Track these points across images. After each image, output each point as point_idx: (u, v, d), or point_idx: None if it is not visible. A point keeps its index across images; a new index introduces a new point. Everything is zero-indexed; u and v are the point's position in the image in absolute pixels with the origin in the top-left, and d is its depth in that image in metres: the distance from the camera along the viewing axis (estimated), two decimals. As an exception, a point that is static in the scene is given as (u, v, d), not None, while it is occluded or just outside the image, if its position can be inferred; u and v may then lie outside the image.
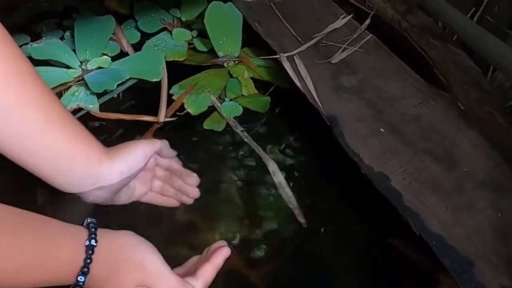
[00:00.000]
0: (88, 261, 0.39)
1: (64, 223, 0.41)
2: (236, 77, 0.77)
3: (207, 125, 0.70)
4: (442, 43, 0.79)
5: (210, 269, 0.46)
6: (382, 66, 0.70)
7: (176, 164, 0.56)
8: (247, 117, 0.72)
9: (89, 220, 0.42)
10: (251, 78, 0.77)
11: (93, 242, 0.40)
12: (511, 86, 0.79)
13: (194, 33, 0.83)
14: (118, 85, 0.69)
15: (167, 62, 0.76)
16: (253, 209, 0.62)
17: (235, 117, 0.72)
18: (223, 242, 0.49)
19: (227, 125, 0.71)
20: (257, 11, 0.80)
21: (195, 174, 0.56)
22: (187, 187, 0.56)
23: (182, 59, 0.78)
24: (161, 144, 0.53)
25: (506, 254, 0.51)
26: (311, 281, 0.56)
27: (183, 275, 0.45)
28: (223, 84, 0.75)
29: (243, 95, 0.75)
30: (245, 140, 0.69)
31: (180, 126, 0.70)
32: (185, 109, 0.71)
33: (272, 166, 0.66)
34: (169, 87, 0.73)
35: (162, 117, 0.69)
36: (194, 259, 0.49)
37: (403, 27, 0.84)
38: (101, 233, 0.41)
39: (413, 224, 0.53)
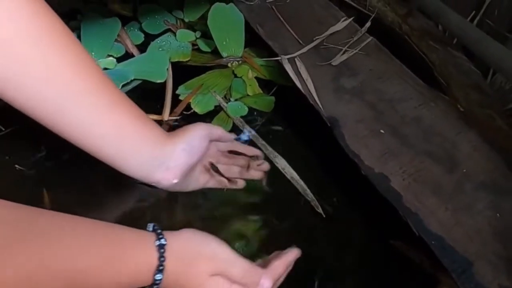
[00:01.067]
0: (162, 259, 0.41)
1: (128, 227, 0.43)
2: (241, 77, 0.77)
3: (214, 124, 0.70)
4: (442, 46, 0.79)
5: (279, 264, 0.48)
6: (383, 69, 0.71)
7: (237, 144, 0.60)
8: (252, 116, 0.73)
9: (152, 225, 0.44)
10: (255, 77, 0.78)
11: (162, 241, 0.42)
12: (511, 89, 0.79)
13: (198, 34, 0.83)
14: (123, 86, 0.70)
15: (171, 63, 0.76)
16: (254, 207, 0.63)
17: (241, 117, 0.73)
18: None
19: (234, 124, 0.71)
20: (259, 13, 0.80)
21: (257, 150, 0.60)
22: (253, 162, 0.59)
23: (187, 59, 0.78)
24: (219, 131, 0.56)
25: (506, 255, 0.51)
26: (312, 282, 0.56)
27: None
28: (228, 84, 0.76)
29: (248, 95, 0.75)
30: (252, 138, 0.69)
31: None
32: (191, 109, 0.71)
33: (281, 163, 0.66)
34: (174, 87, 0.74)
35: (166, 115, 0.70)
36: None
37: (404, 30, 0.85)
38: (166, 233, 0.43)
39: (413, 225, 0.53)
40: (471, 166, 0.59)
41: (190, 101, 0.71)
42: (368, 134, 0.62)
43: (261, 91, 0.76)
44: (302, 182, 0.64)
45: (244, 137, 0.62)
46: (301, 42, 0.74)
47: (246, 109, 0.73)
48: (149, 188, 0.53)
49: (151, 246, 0.42)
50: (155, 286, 0.42)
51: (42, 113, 0.45)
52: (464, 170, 0.58)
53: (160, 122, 0.70)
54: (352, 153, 0.60)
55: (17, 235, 0.35)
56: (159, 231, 0.43)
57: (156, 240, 0.42)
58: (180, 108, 0.71)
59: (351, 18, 0.79)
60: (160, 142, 0.50)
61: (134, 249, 0.41)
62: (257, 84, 0.77)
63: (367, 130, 0.62)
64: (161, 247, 0.42)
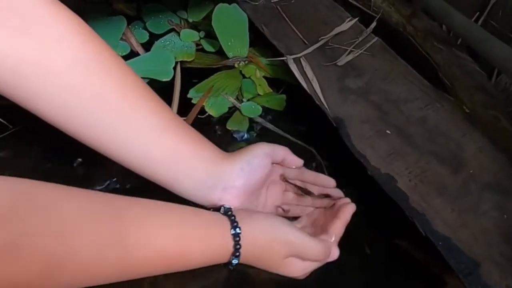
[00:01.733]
0: (238, 246, 0.44)
1: (203, 210, 0.45)
2: (249, 77, 0.77)
3: (230, 125, 0.71)
4: (446, 47, 0.79)
5: (340, 224, 0.51)
6: (388, 69, 0.71)
7: (307, 171, 0.57)
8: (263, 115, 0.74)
9: (226, 208, 0.46)
10: (263, 77, 0.78)
11: (237, 230, 0.44)
12: (515, 90, 0.79)
13: (202, 34, 0.83)
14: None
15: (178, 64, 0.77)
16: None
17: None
18: (347, 199, 0.54)
19: (250, 124, 0.72)
20: (263, 14, 0.80)
21: (330, 178, 0.58)
22: (326, 190, 0.57)
23: (191, 59, 0.78)
24: (283, 150, 0.54)
25: (512, 256, 0.51)
26: (317, 282, 0.56)
27: (313, 234, 0.50)
28: (238, 84, 0.76)
29: (259, 95, 0.76)
30: (278, 132, 0.71)
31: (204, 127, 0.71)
32: (205, 112, 0.72)
33: (314, 150, 0.68)
34: (181, 89, 0.74)
35: None
36: (308, 210, 0.55)
37: (408, 31, 0.85)
38: (240, 218, 0.45)
39: (420, 225, 0.53)
40: (477, 167, 0.59)
41: (204, 104, 0.72)
42: (374, 134, 0.62)
43: (271, 90, 0.77)
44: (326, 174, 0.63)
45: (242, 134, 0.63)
46: (306, 42, 0.74)
47: (260, 108, 0.73)
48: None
49: (227, 235, 0.43)
50: (231, 267, 0.45)
51: (96, 140, 0.45)
52: (470, 171, 0.58)
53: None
54: (358, 153, 0.60)
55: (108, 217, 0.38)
56: (233, 217, 0.44)
57: (232, 228, 0.44)
58: (194, 112, 0.70)
59: (356, 19, 0.79)
60: (216, 162, 0.49)
61: (210, 235, 0.43)
62: (266, 83, 0.77)
63: (373, 130, 0.62)
64: (236, 235, 0.43)
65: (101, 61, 0.45)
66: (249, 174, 0.49)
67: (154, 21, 0.83)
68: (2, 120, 0.65)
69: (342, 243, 0.59)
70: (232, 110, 0.73)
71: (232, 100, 0.73)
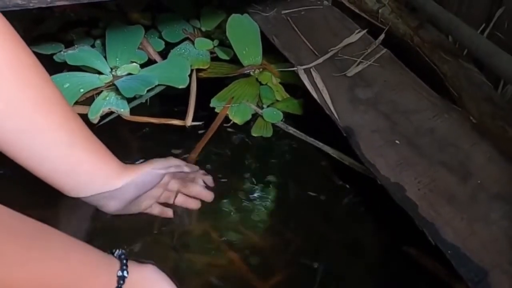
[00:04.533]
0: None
1: (97, 250, 0.45)
2: (266, 84, 0.79)
3: (255, 132, 0.73)
4: (453, 58, 0.81)
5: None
6: (397, 80, 0.72)
7: (192, 170, 0.62)
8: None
9: (120, 252, 0.46)
10: (279, 82, 0.80)
11: (125, 273, 0.44)
12: (522, 101, 0.80)
13: (216, 42, 0.85)
14: (147, 91, 0.72)
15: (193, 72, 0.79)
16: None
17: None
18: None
19: (274, 130, 0.74)
20: (274, 25, 0.82)
21: (208, 176, 0.63)
22: (200, 192, 0.62)
23: (206, 67, 0.81)
24: (175, 163, 0.59)
25: (521, 265, 0.52)
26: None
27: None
28: (256, 91, 0.78)
29: (277, 100, 0.78)
30: (300, 137, 0.73)
31: (231, 136, 0.73)
32: (230, 120, 0.74)
33: (336, 153, 0.69)
34: (198, 96, 0.76)
35: (189, 121, 0.72)
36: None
37: (415, 42, 0.86)
38: (131, 264, 0.45)
39: (429, 234, 0.54)
40: (485, 176, 0.60)
41: (227, 113, 0.74)
42: (384, 144, 0.63)
43: (288, 95, 0.79)
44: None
45: None
46: (316, 53, 0.76)
47: (281, 114, 0.75)
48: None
49: (113, 276, 0.44)
50: None
51: (7, 147, 0.47)
52: (479, 181, 0.59)
53: (183, 128, 0.72)
54: (368, 163, 0.61)
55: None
56: (124, 261, 0.45)
57: (119, 270, 0.44)
58: (218, 121, 0.73)
59: (365, 30, 0.81)
60: (114, 176, 0.53)
61: (99, 275, 0.43)
62: (283, 89, 0.79)
63: (383, 140, 0.64)
64: (121, 278, 0.44)
65: (20, 72, 0.46)
66: (139, 189, 0.55)
67: (169, 30, 0.86)
68: None
69: (350, 249, 0.60)
70: (255, 116, 0.75)
71: (254, 107, 0.75)
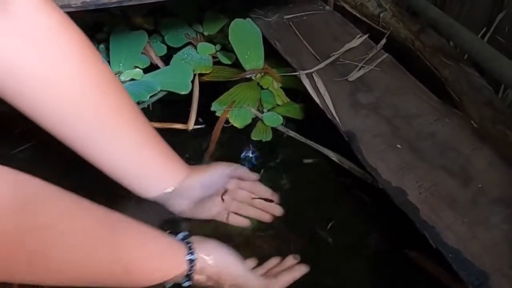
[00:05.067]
0: (190, 272, 0.48)
1: (162, 233, 0.49)
2: (267, 88, 0.80)
3: (255, 136, 0.73)
4: (454, 62, 0.81)
5: (288, 278, 0.55)
6: (398, 85, 0.73)
7: (259, 185, 0.63)
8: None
9: (183, 234, 0.50)
10: (280, 87, 0.81)
11: (193, 256, 0.48)
12: (522, 105, 0.81)
13: (218, 47, 0.86)
14: (150, 97, 0.73)
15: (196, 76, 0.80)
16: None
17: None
18: (296, 259, 0.58)
19: (273, 133, 0.75)
20: (276, 30, 0.83)
21: (275, 194, 0.63)
22: (269, 205, 0.63)
23: (209, 71, 0.82)
24: (242, 170, 0.62)
25: (521, 268, 0.52)
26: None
27: (263, 276, 0.55)
28: (257, 96, 0.79)
29: (278, 105, 0.79)
30: (301, 140, 0.73)
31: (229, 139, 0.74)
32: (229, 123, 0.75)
33: (336, 157, 0.69)
34: (200, 100, 0.77)
35: (191, 125, 0.73)
36: (274, 261, 0.58)
37: (416, 46, 0.87)
38: (196, 245, 0.49)
39: (430, 238, 0.55)
40: (486, 180, 0.60)
41: (228, 116, 0.75)
42: (385, 148, 0.64)
43: (289, 100, 0.80)
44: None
45: (249, 153, 0.67)
46: (318, 57, 0.77)
47: (281, 118, 0.76)
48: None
49: (182, 259, 0.48)
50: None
51: (77, 145, 0.51)
52: (479, 185, 0.60)
53: (185, 132, 0.73)
54: (370, 167, 0.62)
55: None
56: (190, 244, 0.49)
57: (187, 254, 0.48)
58: (219, 125, 0.73)
59: (366, 35, 0.81)
60: (181, 175, 0.56)
61: (166, 257, 0.47)
62: (283, 93, 0.80)
63: (384, 144, 0.64)
64: (191, 261, 0.48)
65: (98, 79, 0.50)
66: (206, 188, 0.58)
67: (172, 35, 0.87)
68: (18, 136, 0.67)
69: (351, 253, 0.60)
70: (255, 120, 0.76)
71: (254, 111, 0.76)
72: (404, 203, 0.58)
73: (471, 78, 0.79)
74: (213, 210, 0.59)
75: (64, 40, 0.47)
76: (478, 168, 0.62)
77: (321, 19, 0.85)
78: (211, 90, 0.78)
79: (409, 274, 0.59)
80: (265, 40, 0.82)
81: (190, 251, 0.48)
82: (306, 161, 0.71)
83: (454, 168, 0.62)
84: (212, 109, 0.75)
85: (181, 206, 0.57)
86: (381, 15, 0.91)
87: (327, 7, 0.90)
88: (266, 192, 0.63)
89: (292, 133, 0.74)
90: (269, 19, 0.84)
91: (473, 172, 0.61)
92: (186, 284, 0.49)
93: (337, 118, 0.67)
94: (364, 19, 0.91)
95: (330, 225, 0.63)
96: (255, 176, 0.63)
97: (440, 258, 0.54)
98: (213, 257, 0.50)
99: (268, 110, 0.77)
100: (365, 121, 0.67)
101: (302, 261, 0.58)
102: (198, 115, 0.75)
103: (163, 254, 0.47)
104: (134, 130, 0.53)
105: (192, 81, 0.77)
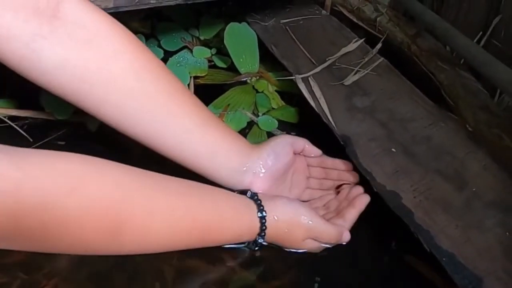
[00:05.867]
0: (264, 228, 0.51)
1: (233, 193, 0.53)
2: (262, 92, 0.81)
3: (250, 139, 0.73)
4: (450, 66, 0.82)
5: (355, 213, 0.58)
6: (394, 89, 0.73)
7: (327, 158, 0.65)
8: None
9: (252, 192, 0.54)
10: (275, 90, 0.82)
11: (264, 213, 0.51)
12: (518, 109, 0.81)
13: (213, 51, 0.87)
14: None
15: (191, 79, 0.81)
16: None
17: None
18: (361, 189, 0.61)
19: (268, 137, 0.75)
20: (273, 34, 0.83)
21: (348, 162, 0.64)
22: (344, 174, 0.64)
23: (204, 74, 0.82)
24: (303, 140, 0.62)
25: (515, 272, 0.52)
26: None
27: (326, 216, 0.58)
28: (252, 99, 0.79)
29: (273, 108, 0.79)
30: None
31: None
32: None
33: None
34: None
35: None
36: (329, 197, 0.63)
37: (413, 50, 0.88)
38: (265, 203, 0.52)
39: (424, 241, 0.55)
40: (480, 184, 0.61)
41: (223, 120, 0.75)
42: (380, 152, 0.64)
43: (284, 103, 0.80)
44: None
45: None
46: (314, 62, 0.77)
47: (276, 122, 0.77)
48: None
49: (254, 218, 0.51)
50: (256, 245, 0.53)
51: (148, 136, 0.54)
52: (474, 189, 0.60)
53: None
54: (365, 171, 0.62)
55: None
56: (259, 201, 0.52)
57: (258, 211, 0.51)
58: None
59: (362, 39, 0.82)
60: (246, 152, 0.57)
61: (240, 216, 0.51)
62: (279, 97, 0.81)
63: (379, 148, 0.64)
64: (262, 218, 0.51)
65: (151, 68, 0.52)
66: (275, 160, 0.58)
67: (168, 38, 0.88)
68: (24, 134, 0.68)
69: (347, 258, 0.60)
70: (250, 124, 0.76)
71: (249, 115, 0.76)
72: (399, 206, 0.58)
73: (467, 82, 0.79)
74: (292, 193, 0.61)
75: (114, 37, 0.50)
76: (472, 172, 0.62)
77: (317, 24, 0.86)
78: (206, 93, 0.79)
79: (403, 278, 0.59)
80: (261, 44, 0.83)
81: (261, 207, 0.51)
82: None
83: (449, 172, 0.62)
84: None
85: (257, 184, 0.57)
86: (377, 19, 0.91)
87: (324, 12, 0.90)
88: (338, 161, 0.65)
89: None
90: (266, 24, 0.85)
91: (468, 176, 0.62)
92: (260, 241, 0.52)
93: (332, 122, 0.68)
94: (361, 23, 0.92)
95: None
96: (318, 151, 0.63)
97: (435, 262, 0.54)
98: (281, 212, 0.52)
99: (263, 114, 0.78)
100: (360, 125, 0.68)
101: (298, 264, 0.58)
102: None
103: (237, 213, 0.50)
104: (192, 111, 0.54)
105: (188, 85, 0.78)
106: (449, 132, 0.67)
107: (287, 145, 0.60)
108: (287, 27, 0.84)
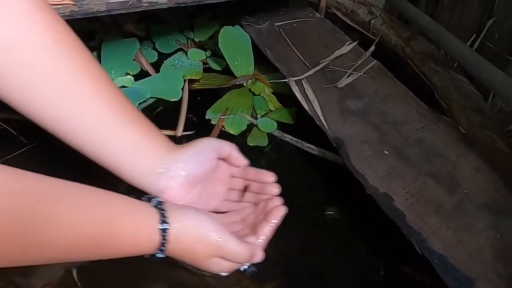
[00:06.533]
0: (164, 241, 0.44)
1: (134, 200, 0.45)
2: (259, 94, 0.81)
3: (251, 142, 0.74)
4: (444, 69, 0.82)
5: (269, 227, 0.51)
6: (387, 91, 0.74)
7: (250, 169, 0.57)
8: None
9: (158, 200, 0.46)
10: (271, 92, 0.82)
11: (165, 226, 0.44)
12: (511, 111, 0.81)
13: (208, 53, 0.87)
14: (139, 104, 0.74)
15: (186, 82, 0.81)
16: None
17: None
18: (278, 201, 0.54)
19: (270, 139, 0.75)
20: (267, 37, 0.84)
21: (271, 173, 0.56)
22: (266, 186, 0.56)
23: (199, 77, 0.83)
24: (229, 146, 0.55)
25: (506, 274, 0.53)
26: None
27: (242, 231, 0.52)
28: (250, 102, 0.80)
29: (271, 110, 0.80)
30: (297, 145, 0.74)
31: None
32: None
33: (332, 157, 0.70)
34: (191, 107, 0.77)
35: (180, 131, 0.73)
36: (247, 210, 0.55)
37: (406, 53, 0.88)
38: (170, 213, 0.45)
39: (416, 243, 0.55)
40: (472, 187, 0.61)
41: (223, 123, 0.75)
42: (373, 154, 0.64)
43: (281, 105, 0.80)
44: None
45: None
46: (307, 64, 0.78)
47: (275, 123, 0.77)
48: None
49: (155, 229, 0.43)
50: (155, 259, 0.45)
51: (58, 126, 0.46)
52: (465, 191, 0.60)
53: (173, 138, 0.72)
54: (357, 173, 0.62)
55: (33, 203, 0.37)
56: (163, 212, 0.44)
57: (160, 223, 0.43)
58: (215, 133, 0.74)
59: (356, 42, 0.82)
60: (165, 151, 0.50)
61: (137, 226, 0.43)
62: (275, 98, 0.81)
63: (372, 151, 0.65)
64: (163, 230, 0.43)
65: (62, 46, 0.45)
66: (195, 165, 0.50)
67: (162, 41, 0.88)
68: (21, 137, 0.68)
69: (344, 268, 0.60)
70: (250, 126, 0.77)
71: (248, 117, 0.76)
72: (391, 209, 0.58)
73: (460, 85, 0.80)
74: (210, 204, 0.54)
75: (28, 7, 0.43)
76: (464, 174, 0.62)
77: (311, 27, 0.86)
78: (202, 97, 0.79)
79: (396, 282, 0.59)
80: (255, 47, 0.83)
81: (163, 218, 0.44)
82: (302, 164, 0.72)
83: (441, 174, 0.62)
84: (207, 117, 0.76)
85: (171, 188, 0.49)
86: (371, 22, 0.92)
87: (317, 15, 0.91)
88: (261, 172, 0.56)
89: (288, 137, 0.75)
90: (260, 26, 0.85)
91: (459, 178, 0.62)
92: (160, 255, 0.45)
93: (325, 125, 0.68)
94: (355, 26, 0.92)
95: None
96: (244, 160, 0.56)
97: (432, 271, 0.53)
98: (188, 225, 0.45)
99: (262, 116, 0.78)
100: (353, 127, 0.68)
101: (295, 268, 0.58)
102: (190, 122, 0.75)
103: (135, 223, 0.43)
104: (112, 102, 0.47)
105: (182, 88, 0.78)
106: (442, 135, 0.68)
107: (212, 149, 0.53)
108: (281, 30, 0.84)
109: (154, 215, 0.44)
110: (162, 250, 0.44)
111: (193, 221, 0.46)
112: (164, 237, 0.44)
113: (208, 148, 0.52)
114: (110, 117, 0.47)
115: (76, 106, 0.46)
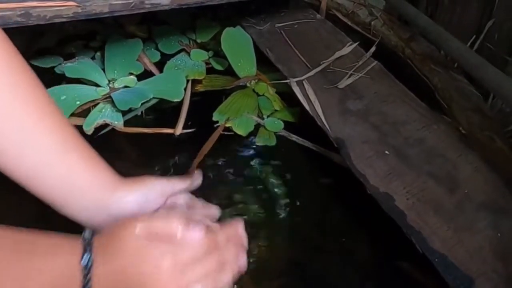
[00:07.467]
0: (87, 279, 0.38)
1: (59, 236, 0.40)
2: (263, 95, 0.81)
3: (259, 141, 0.74)
4: (444, 69, 0.83)
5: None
6: (387, 92, 0.74)
7: (197, 201, 0.53)
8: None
9: (88, 233, 0.40)
10: (276, 92, 0.82)
11: (88, 262, 0.38)
12: (511, 112, 0.82)
13: (211, 53, 0.88)
14: (142, 104, 0.74)
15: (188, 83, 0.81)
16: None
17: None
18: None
19: (277, 139, 0.75)
20: (268, 38, 0.84)
21: (216, 206, 0.53)
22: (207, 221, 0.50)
23: (202, 77, 0.83)
24: (171, 186, 0.50)
25: (506, 273, 0.53)
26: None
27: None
28: (255, 103, 0.80)
29: (276, 110, 0.80)
30: (304, 144, 0.74)
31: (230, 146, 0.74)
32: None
33: (337, 158, 0.70)
34: (194, 107, 0.78)
35: (179, 130, 0.73)
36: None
37: (407, 54, 0.89)
38: (96, 248, 0.39)
39: (417, 243, 0.55)
40: (472, 186, 0.61)
41: (231, 125, 0.75)
42: (373, 155, 0.65)
43: (285, 105, 0.80)
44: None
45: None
46: (308, 65, 0.78)
47: (282, 123, 0.77)
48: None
49: (77, 265, 0.38)
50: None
51: None
52: (465, 191, 0.61)
53: (171, 135, 0.73)
54: (358, 173, 0.63)
55: None
56: (87, 246, 0.39)
57: (81, 260, 0.38)
58: (215, 136, 0.74)
59: (357, 43, 0.83)
60: (110, 187, 0.47)
61: (60, 266, 0.38)
62: (280, 98, 0.81)
63: (372, 151, 0.65)
64: (85, 268, 0.38)
65: (9, 73, 0.43)
66: (141, 208, 0.47)
67: (165, 42, 0.88)
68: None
69: (343, 265, 0.60)
70: (256, 126, 0.77)
71: (255, 118, 0.77)
72: (392, 208, 0.59)
73: (460, 85, 0.80)
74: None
75: None
76: (464, 174, 0.63)
77: (312, 28, 0.87)
78: (206, 99, 0.79)
79: (399, 285, 0.58)
80: (256, 48, 0.83)
81: (87, 253, 0.38)
82: (309, 163, 0.72)
83: (441, 174, 0.63)
84: (214, 119, 0.76)
85: (104, 223, 0.45)
86: (372, 23, 0.92)
87: (318, 16, 0.91)
88: (206, 206, 0.53)
89: (294, 137, 0.75)
90: (261, 28, 0.86)
91: (459, 178, 0.62)
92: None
93: (326, 125, 0.68)
94: (355, 26, 0.93)
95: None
96: (185, 196, 0.52)
97: (432, 268, 0.54)
98: (116, 263, 0.39)
99: (268, 116, 0.78)
100: (354, 128, 0.68)
101: (294, 268, 0.58)
102: (191, 122, 0.75)
103: (53, 258, 0.38)
104: (53, 131, 0.45)
105: (185, 88, 0.78)
106: (442, 135, 0.68)
107: (163, 195, 0.49)
108: (282, 31, 0.84)
109: (78, 249, 0.39)
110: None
111: (124, 259, 0.39)
112: (85, 276, 0.38)
113: (159, 193, 0.48)
114: (59, 151, 0.45)
115: (20, 137, 0.43)
